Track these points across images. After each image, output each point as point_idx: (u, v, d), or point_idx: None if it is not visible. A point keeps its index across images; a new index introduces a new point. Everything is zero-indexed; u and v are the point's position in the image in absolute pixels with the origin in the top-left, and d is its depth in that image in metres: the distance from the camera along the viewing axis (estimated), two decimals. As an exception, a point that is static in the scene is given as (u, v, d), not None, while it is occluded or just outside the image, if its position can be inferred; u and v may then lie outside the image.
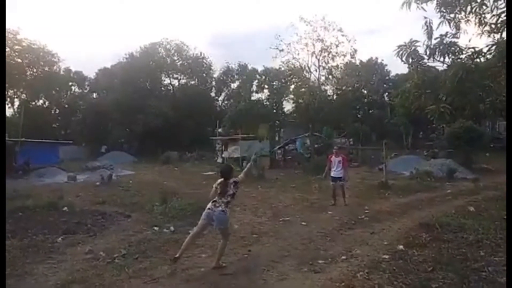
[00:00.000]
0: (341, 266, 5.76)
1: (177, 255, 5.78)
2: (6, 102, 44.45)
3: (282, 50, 34.84)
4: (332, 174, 11.21)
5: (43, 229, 8.01)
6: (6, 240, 7.04)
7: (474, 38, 7.00)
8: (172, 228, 8.33)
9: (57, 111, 51.63)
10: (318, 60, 34.59)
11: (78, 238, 7.56)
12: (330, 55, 34.22)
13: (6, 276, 5.34)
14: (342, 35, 33.78)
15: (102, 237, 7.78)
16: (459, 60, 6.77)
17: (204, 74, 51.28)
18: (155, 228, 8.36)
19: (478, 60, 6.76)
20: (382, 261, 5.84)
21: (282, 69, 38.17)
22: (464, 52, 6.76)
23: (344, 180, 11.25)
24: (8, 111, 45.82)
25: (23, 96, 44.22)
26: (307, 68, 35.06)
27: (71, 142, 35.61)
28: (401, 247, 6.55)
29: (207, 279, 5.37)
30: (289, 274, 5.52)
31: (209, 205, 5.78)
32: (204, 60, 50.69)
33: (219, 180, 5.95)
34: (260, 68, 49.32)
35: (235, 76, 52.29)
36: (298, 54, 34.70)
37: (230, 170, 6.18)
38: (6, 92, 41.96)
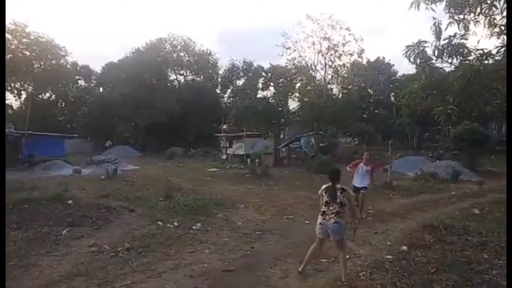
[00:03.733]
0: (344, 266, 5.76)
1: (300, 269, 5.42)
2: (14, 95, 44.77)
3: (289, 48, 34.84)
4: (355, 183, 9.68)
5: (48, 221, 8.07)
6: (12, 231, 7.13)
7: (483, 39, 6.94)
8: (176, 224, 8.36)
9: (64, 104, 51.84)
10: (325, 58, 34.56)
11: (83, 231, 7.61)
12: (337, 54, 34.18)
13: (12, 267, 5.42)
14: (350, 34, 33.72)
15: (107, 230, 7.83)
16: (467, 61, 6.71)
17: (210, 71, 51.31)
18: (159, 223, 8.40)
19: (486, 62, 6.71)
20: (385, 262, 5.85)
21: (288, 67, 38.16)
22: (472, 53, 6.71)
23: (366, 189, 9.68)
24: (15, 104, 46.20)
25: (30, 88, 44.39)
26: (313, 67, 35.05)
27: (76, 135, 35.71)
28: (404, 248, 6.55)
29: (210, 275, 5.39)
30: (292, 272, 5.53)
31: (320, 219, 5.30)
32: (210, 57, 50.74)
33: (325, 186, 5.40)
34: (266, 66, 49.32)
35: (241, 73, 52.27)
36: (305, 52, 34.68)
37: (339, 173, 5.52)
38: (13, 85, 42.25)
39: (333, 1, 68.74)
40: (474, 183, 16.08)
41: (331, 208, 5.20)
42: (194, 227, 8.16)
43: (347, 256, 6.19)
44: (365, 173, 9.68)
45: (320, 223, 5.27)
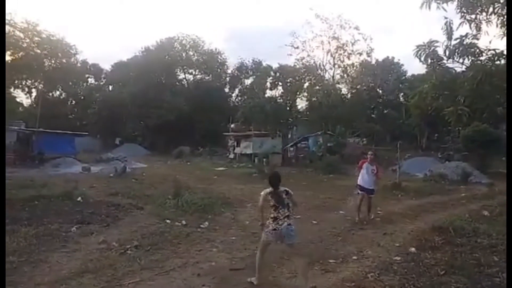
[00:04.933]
0: (352, 266, 5.74)
1: (255, 282, 5.13)
2: (25, 92, 45.28)
3: (297, 47, 34.86)
4: (361, 183, 9.40)
5: (58, 218, 8.14)
6: (23, 228, 7.21)
7: (495, 39, 6.86)
8: (184, 222, 8.39)
9: (73, 102, 52.40)
10: (334, 58, 34.52)
11: (92, 228, 7.67)
12: (346, 54, 34.09)
13: (22, 263, 5.49)
14: (359, 34, 33.62)
15: (116, 228, 7.88)
16: (479, 62, 6.64)
17: (219, 70, 51.41)
18: (168, 221, 8.43)
19: (498, 62, 6.63)
20: (393, 263, 5.80)
21: (297, 66, 38.08)
22: (484, 54, 6.63)
23: (373, 193, 9.49)
24: (26, 101, 46.78)
25: (41, 86, 44.88)
26: (322, 66, 34.99)
27: (86, 133, 36.05)
28: (413, 249, 6.50)
29: (217, 274, 5.40)
30: (299, 272, 5.51)
31: (272, 225, 5.00)
32: (219, 56, 50.82)
33: (267, 190, 5.16)
34: (274, 65, 49.17)
35: (249, 72, 52.26)
36: (313, 51, 34.65)
37: (279, 177, 5.28)
38: (24, 82, 42.69)
39: (343, 0, 68.41)
40: (484, 185, 15.91)
41: (281, 212, 4.99)
42: (202, 226, 8.19)
43: (355, 257, 6.18)
44: (371, 172, 9.34)
45: (274, 229, 4.98)
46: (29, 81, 43.71)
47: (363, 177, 9.39)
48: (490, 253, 6.20)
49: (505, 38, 6.73)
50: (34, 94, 46.19)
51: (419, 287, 4.89)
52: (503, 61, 6.65)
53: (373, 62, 41.09)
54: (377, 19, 73.69)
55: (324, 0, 79.42)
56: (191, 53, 50.13)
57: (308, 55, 35.17)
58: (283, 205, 5.01)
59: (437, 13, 6.60)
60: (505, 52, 6.47)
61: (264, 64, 50.44)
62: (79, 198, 10.30)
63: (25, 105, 46.45)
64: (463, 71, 7.12)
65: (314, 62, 35.26)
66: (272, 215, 5.05)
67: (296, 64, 37.92)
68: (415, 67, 54.79)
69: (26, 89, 45.14)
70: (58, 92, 50.31)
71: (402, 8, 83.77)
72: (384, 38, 76.52)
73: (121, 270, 5.43)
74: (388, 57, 49.11)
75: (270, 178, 5.25)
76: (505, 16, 6.46)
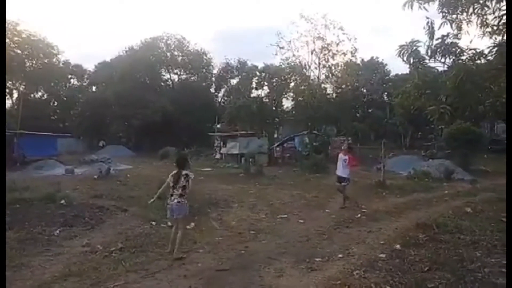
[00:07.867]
0: (338, 264, 5.78)
1: (175, 255, 6.03)
2: (5, 94, 44.31)
3: (283, 47, 35.00)
4: (337, 172, 10.62)
5: (41, 222, 7.99)
6: (3, 231, 7.04)
7: (476, 39, 6.99)
8: (169, 223, 8.31)
9: (56, 103, 51.46)
10: (319, 58, 34.75)
11: (76, 231, 7.56)
12: (331, 53, 34.36)
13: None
14: (343, 34, 33.92)
15: (100, 230, 7.79)
16: (460, 61, 6.76)
17: (204, 70, 51.19)
18: (152, 222, 8.37)
19: (479, 61, 6.76)
20: (378, 260, 5.86)
21: (282, 66, 38.23)
22: (465, 53, 6.76)
23: (346, 180, 10.45)
24: (7, 103, 45.68)
25: (22, 87, 43.99)
26: (307, 66, 35.19)
27: (69, 135, 35.47)
28: (398, 246, 6.56)
29: (204, 275, 5.38)
30: (286, 271, 5.53)
31: (168, 201, 6.15)
32: (204, 56, 50.61)
33: (174, 172, 6.22)
34: (260, 65, 49.24)
35: (235, 72, 52.21)
36: (298, 51, 34.84)
37: (184, 160, 6.54)
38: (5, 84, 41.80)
39: (328, 1, 68.89)
40: (467, 182, 16.17)
41: (175, 191, 6.02)
42: (188, 227, 8.11)
43: (341, 255, 6.23)
44: (344, 162, 10.38)
45: (168, 204, 6.11)
46: (10, 82, 42.79)
47: (338, 167, 10.61)
48: (472, 249, 6.31)
49: (485, 38, 6.88)
50: (15, 95, 45.21)
51: (404, 283, 4.94)
52: (483, 60, 6.80)
53: (358, 62, 41.50)
54: (361, 20, 74.51)
55: (310, 0, 79.88)
56: (176, 53, 49.80)
57: (294, 55, 35.35)
58: (178, 186, 6.03)
59: (420, 13, 6.70)
60: (485, 52, 6.61)
61: (249, 64, 50.58)
62: (62, 201, 10.09)
63: (6, 106, 45.42)
64: (445, 71, 7.24)
65: (300, 62, 35.42)
66: (170, 193, 6.11)
67: (281, 64, 38.09)
68: (398, 67, 55.55)
69: (7, 91, 44.16)
70: (40, 93, 49.35)
71: (386, 8, 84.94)
72: (368, 38, 77.28)
73: (105, 273, 5.36)
74: (372, 57, 49.76)
75: (176, 161, 6.40)
76: (484, 16, 6.59)
